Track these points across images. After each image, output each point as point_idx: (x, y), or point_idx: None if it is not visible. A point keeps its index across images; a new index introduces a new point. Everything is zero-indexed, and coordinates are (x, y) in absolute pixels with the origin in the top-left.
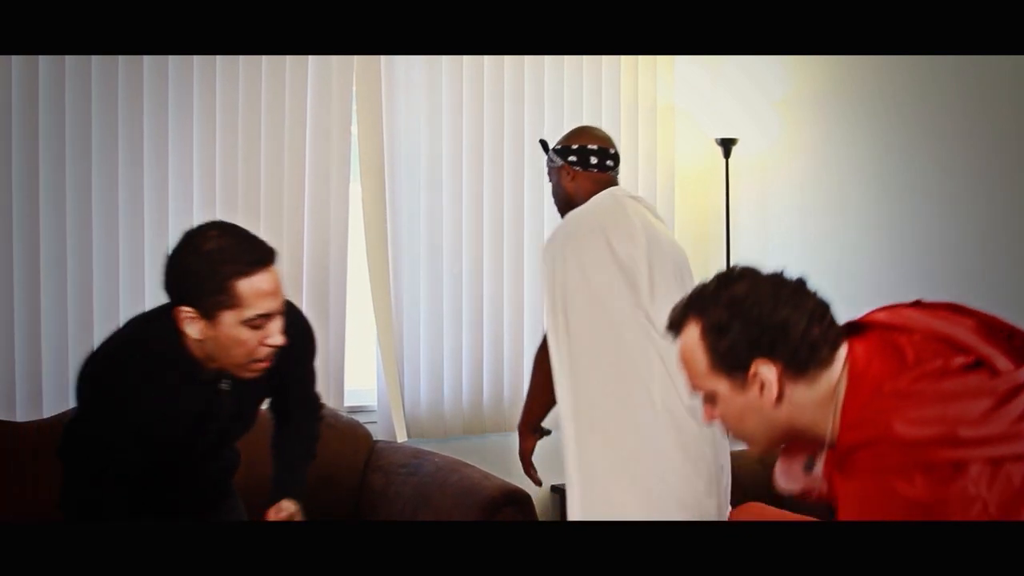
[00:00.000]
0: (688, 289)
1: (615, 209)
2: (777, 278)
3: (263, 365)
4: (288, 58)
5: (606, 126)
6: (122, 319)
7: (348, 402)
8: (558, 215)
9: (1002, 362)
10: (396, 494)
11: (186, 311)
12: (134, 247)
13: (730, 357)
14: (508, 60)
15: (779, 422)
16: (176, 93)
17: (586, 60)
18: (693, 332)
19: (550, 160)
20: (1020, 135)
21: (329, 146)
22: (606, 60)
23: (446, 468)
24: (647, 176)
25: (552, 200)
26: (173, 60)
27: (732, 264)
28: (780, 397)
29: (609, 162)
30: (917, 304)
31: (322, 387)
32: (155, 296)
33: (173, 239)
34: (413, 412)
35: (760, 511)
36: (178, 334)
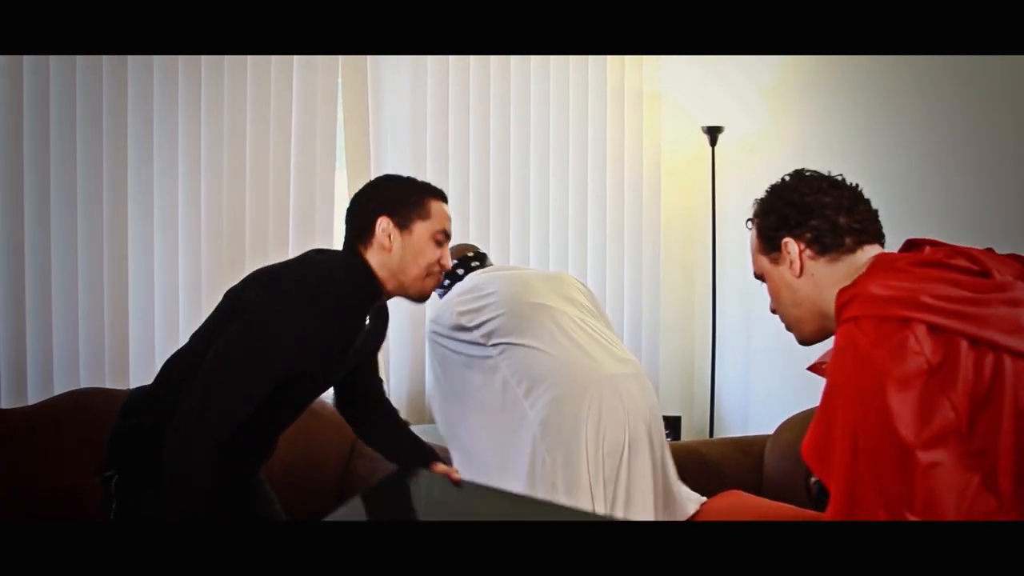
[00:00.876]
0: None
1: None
2: (820, 174)
3: (433, 284)
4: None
5: (592, 114)
6: (106, 306)
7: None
8: (528, 220)
9: (1002, 276)
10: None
11: (385, 220)
12: (118, 236)
13: (767, 234)
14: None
15: (802, 297)
16: (160, 84)
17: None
18: (753, 225)
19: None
20: (1010, 122)
21: (314, 134)
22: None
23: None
24: (633, 164)
25: (536, 193)
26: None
27: (716, 247)
28: (802, 271)
29: (476, 263)
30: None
31: None
32: (138, 283)
33: (158, 238)
34: (396, 399)
35: (739, 499)
36: (364, 266)
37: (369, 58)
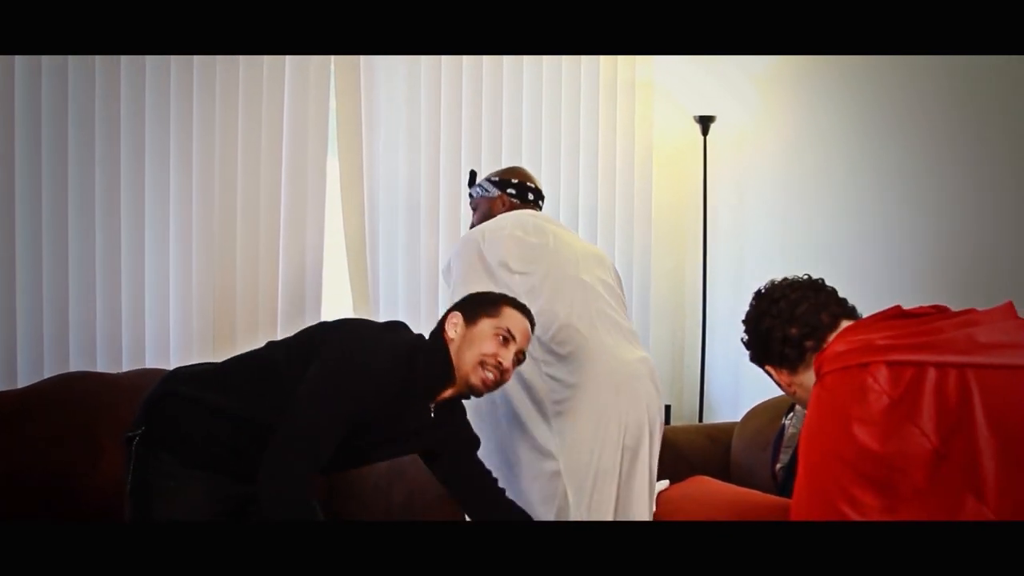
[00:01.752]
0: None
1: (497, 223)
2: (769, 292)
3: (489, 377)
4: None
5: (584, 104)
6: (98, 290)
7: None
8: None
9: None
10: (370, 468)
11: (456, 315)
12: (110, 223)
13: (763, 367)
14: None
15: (806, 397)
16: (153, 77)
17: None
18: None
19: (483, 190)
20: (1003, 112)
21: (306, 130)
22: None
23: None
24: (625, 153)
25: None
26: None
27: (707, 260)
28: (791, 385)
29: (541, 201)
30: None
31: None
32: (130, 268)
33: (149, 223)
34: None
35: (706, 485)
36: (443, 346)
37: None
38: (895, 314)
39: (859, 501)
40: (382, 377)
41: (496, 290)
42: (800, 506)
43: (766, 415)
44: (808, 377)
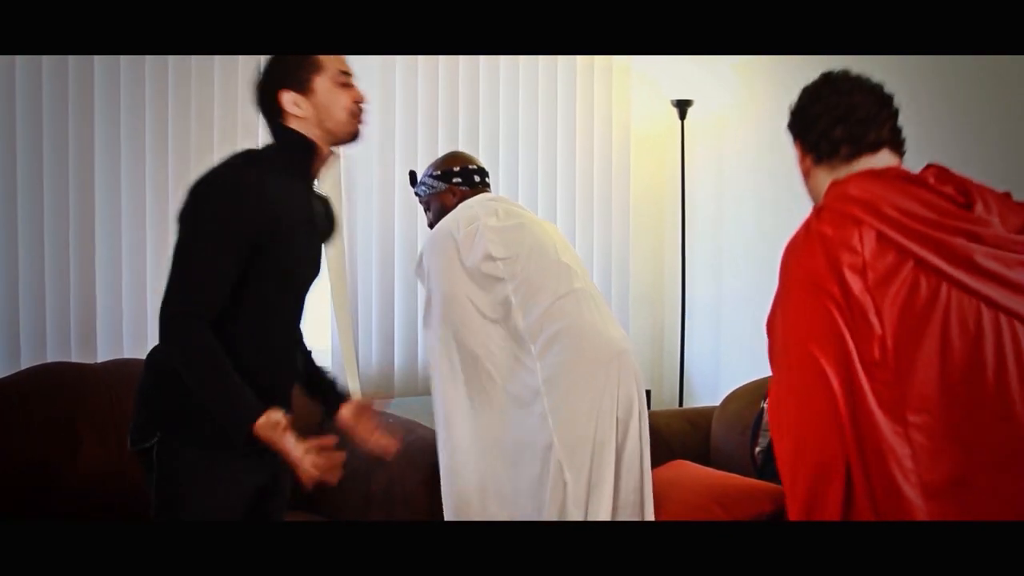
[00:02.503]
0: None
1: (466, 214)
2: (832, 77)
3: (360, 121)
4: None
5: (561, 88)
6: (72, 280)
7: None
8: (496, 193)
9: (987, 215)
10: (351, 454)
11: (287, 94)
12: (84, 216)
13: (791, 133)
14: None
15: (813, 193)
16: (127, 79)
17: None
18: None
19: (429, 187)
20: (982, 106)
21: None
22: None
23: (400, 428)
24: (603, 137)
25: (505, 166)
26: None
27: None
28: (807, 174)
29: (487, 179)
30: None
31: None
32: (104, 257)
33: (125, 211)
34: (364, 372)
35: (686, 469)
36: (290, 129)
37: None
38: (920, 179)
39: (828, 340)
40: (238, 193)
41: (482, 284)
42: (773, 324)
43: (745, 399)
44: (822, 177)
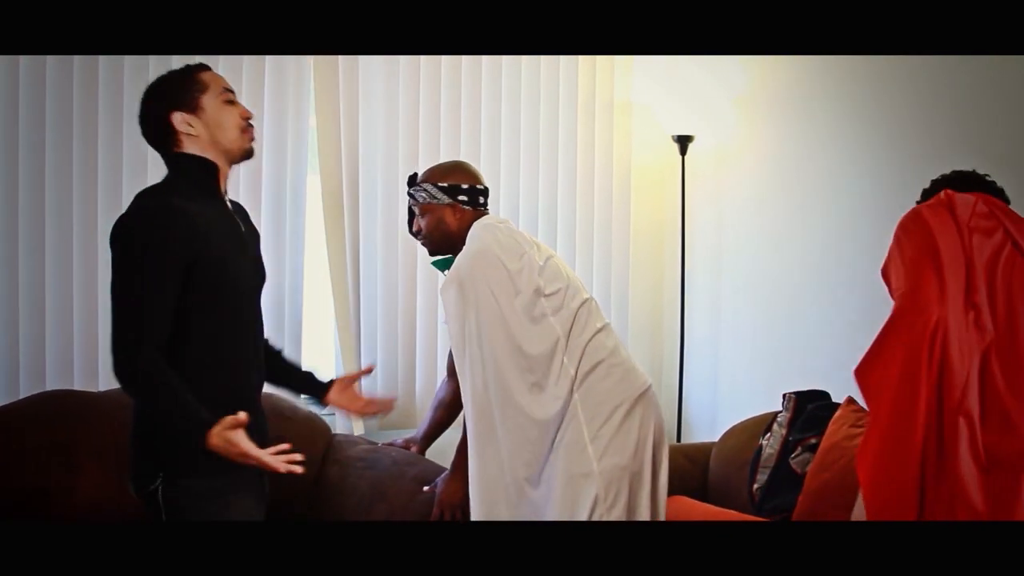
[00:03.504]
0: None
1: (506, 242)
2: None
3: (251, 134)
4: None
5: (563, 122)
6: (75, 307)
7: None
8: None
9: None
10: (352, 488)
11: (178, 115)
12: (87, 241)
13: None
14: (467, 56)
15: None
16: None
17: (544, 56)
18: None
19: (429, 196)
20: (980, 133)
21: (285, 137)
22: (564, 56)
23: (403, 462)
24: (603, 172)
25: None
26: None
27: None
28: None
29: (487, 201)
30: None
31: None
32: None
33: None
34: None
35: (684, 504)
36: (186, 154)
37: (341, 61)
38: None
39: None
40: (163, 220)
41: (533, 318)
42: None
43: (744, 435)
44: None
